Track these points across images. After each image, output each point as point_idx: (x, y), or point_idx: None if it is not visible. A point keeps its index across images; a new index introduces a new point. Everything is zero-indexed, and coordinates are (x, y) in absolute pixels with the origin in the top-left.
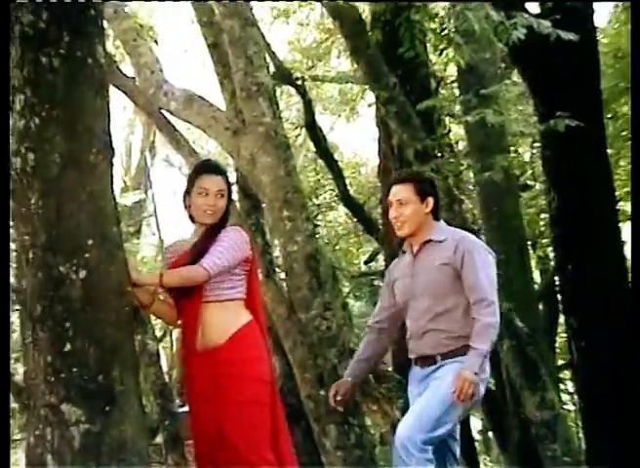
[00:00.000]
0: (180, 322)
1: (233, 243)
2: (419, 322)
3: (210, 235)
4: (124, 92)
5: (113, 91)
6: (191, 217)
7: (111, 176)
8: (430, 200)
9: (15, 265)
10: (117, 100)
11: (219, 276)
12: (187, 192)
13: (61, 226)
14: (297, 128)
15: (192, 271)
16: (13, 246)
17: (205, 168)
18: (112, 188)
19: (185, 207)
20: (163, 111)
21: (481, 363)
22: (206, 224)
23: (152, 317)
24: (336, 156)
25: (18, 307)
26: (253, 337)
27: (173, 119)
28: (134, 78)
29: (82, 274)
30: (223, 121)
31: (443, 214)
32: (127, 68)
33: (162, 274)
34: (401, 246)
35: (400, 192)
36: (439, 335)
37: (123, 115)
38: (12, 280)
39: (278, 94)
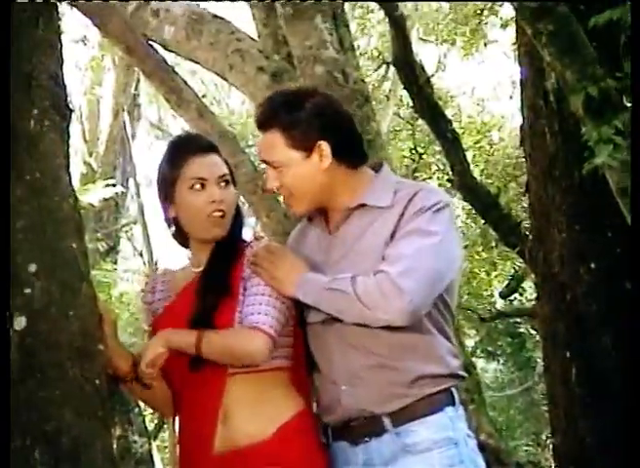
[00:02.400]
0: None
1: None
2: (346, 354)
3: (225, 258)
4: (83, 12)
5: (65, 10)
6: (183, 237)
7: (66, 156)
8: (323, 145)
9: None
10: (73, 27)
11: None
12: (168, 194)
13: None
14: (380, 66)
15: (246, 337)
16: None
17: (191, 145)
18: (69, 175)
19: (169, 221)
20: (152, 43)
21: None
22: (211, 240)
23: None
24: (448, 113)
25: None
26: (309, 434)
27: (169, 56)
28: None
29: (20, 323)
30: (255, 57)
31: None
32: None
33: (201, 335)
34: None
35: (266, 147)
36: (387, 376)
37: (83, 52)
38: None
39: (348, 9)
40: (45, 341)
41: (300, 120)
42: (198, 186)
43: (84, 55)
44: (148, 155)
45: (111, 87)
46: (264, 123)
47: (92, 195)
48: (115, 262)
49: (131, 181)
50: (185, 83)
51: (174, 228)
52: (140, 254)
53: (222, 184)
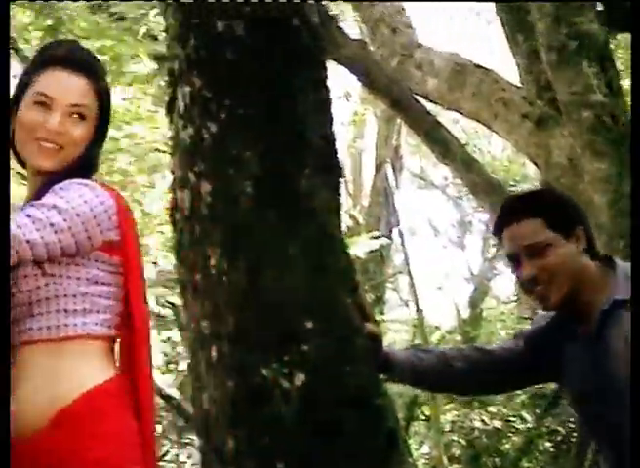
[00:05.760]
0: None
1: (72, 206)
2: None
3: (45, 190)
4: (346, 65)
5: (330, 66)
6: (19, 157)
7: (338, 212)
8: (581, 231)
9: (189, 374)
10: (334, 82)
11: (47, 282)
12: (15, 100)
13: (260, 302)
14: None
15: None
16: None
17: (59, 55)
18: (340, 231)
19: (12, 132)
20: (415, 95)
21: None
22: (40, 172)
23: None
24: None
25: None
26: (98, 416)
27: (429, 106)
28: (362, 42)
29: (299, 379)
30: (519, 104)
31: None
32: (349, 26)
33: None
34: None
35: (526, 232)
36: None
37: (344, 107)
38: (177, 394)
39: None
40: (323, 397)
41: (561, 205)
42: (41, 104)
43: (346, 110)
44: (411, 206)
45: (373, 139)
46: (524, 211)
47: (358, 247)
48: (382, 313)
49: (395, 232)
50: (450, 133)
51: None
52: (406, 304)
53: (75, 116)
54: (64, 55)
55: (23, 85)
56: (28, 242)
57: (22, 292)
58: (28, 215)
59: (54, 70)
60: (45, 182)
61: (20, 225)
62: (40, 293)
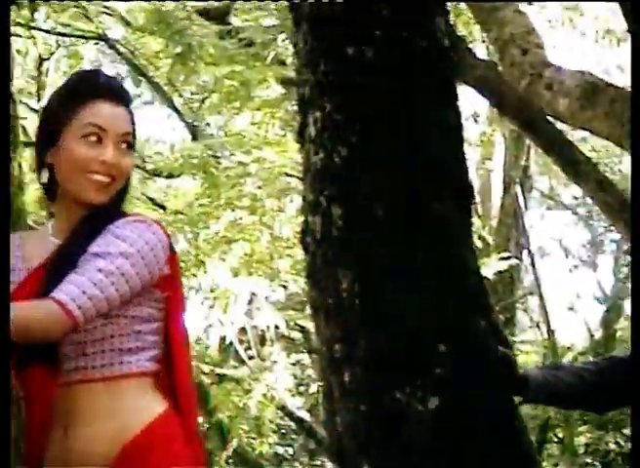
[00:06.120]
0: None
1: (137, 250)
2: None
3: (93, 227)
4: (475, 87)
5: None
6: (53, 191)
7: (469, 234)
8: None
9: (321, 397)
10: (464, 103)
11: (103, 323)
12: (51, 134)
13: (393, 326)
14: None
15: (42, 313)
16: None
17: (100, 86)
18: (473, 252)
19: (41, 165)
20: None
21: None
22: (88, 205)
23: None
24: None
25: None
26: (165, 446)
27: (560, 126)
28: (491, 62)
29: (433, 402)
30: None
31: None
32: (477, 47)
33: None
34: None
35: None
36: None
37: (472, 128)
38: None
39: None
40: (457, 421)
41: None
42: (93, 138)
43: (475, 131)
44: (541, 226)
45: (501, 160)
46: None
47: (487, 269)
48: (512, 334)
49: (524, 253)
50: (581, 152)
51: (46, 176)
52: (537, 326)
53: (123, 146)
54: (106, 86)
55: (64, 118)
56: (107, 299)
57: (78, 332)
58: (100, 270)
59: (98, 102)
60: (88, 214)
61: (95, 282)
62: (96, 334)
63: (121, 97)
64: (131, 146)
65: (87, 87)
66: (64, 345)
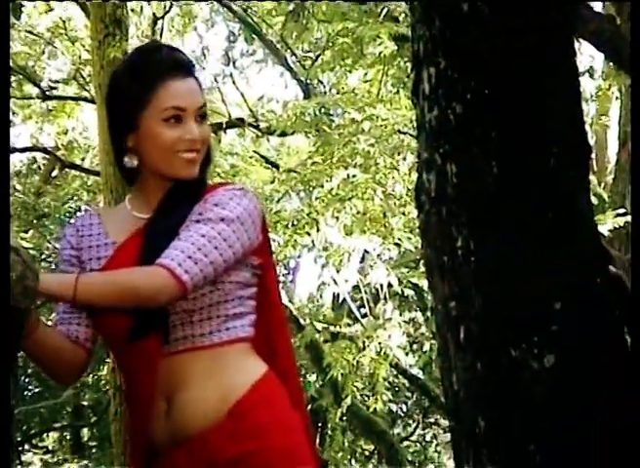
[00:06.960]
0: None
1: (237, 216)
2: None
3: (183, 201)
4: (592, 41)
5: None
6: (135, 172)
7: (586, 189)
8: None
9: (437, 355)
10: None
11: (211, 289)
12: (130, 119)
13: (508, 283)
14: None
15: (150, 277)
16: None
17: (169, 63)
18: (589, 208)
19: (123, 150)
20: None
21: None
22: (175, 179)
23: None
24: None
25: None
26: (273, 403)
27: None
28: (609, 16)
29: (549, 360)
30: None
31: None
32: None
33: (78, 278)
34: None
35: None
36: None
37: (588, 83)
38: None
39: None
40: (573, 379)
41: None
42: (173, 119)
43: (590, 86)
44: None
45: (617, 115)
46: None
47: (603, 225)
48: None
49: None
50: None
51: (136, 162)
52: None
53: (199, 118)
54: (172, 60)
55: (140, 103)
56: (212, 264)
57: (186, 300)
58: (203, 235)
59: (168, 80)
60: (174, 186)
61: (200, 247)
62: (205, 300)
63: (188, 69)
64: (205, 116)
65: (154, 67)
66: (171, 314)
